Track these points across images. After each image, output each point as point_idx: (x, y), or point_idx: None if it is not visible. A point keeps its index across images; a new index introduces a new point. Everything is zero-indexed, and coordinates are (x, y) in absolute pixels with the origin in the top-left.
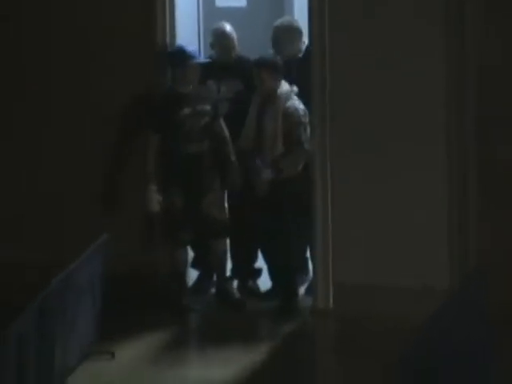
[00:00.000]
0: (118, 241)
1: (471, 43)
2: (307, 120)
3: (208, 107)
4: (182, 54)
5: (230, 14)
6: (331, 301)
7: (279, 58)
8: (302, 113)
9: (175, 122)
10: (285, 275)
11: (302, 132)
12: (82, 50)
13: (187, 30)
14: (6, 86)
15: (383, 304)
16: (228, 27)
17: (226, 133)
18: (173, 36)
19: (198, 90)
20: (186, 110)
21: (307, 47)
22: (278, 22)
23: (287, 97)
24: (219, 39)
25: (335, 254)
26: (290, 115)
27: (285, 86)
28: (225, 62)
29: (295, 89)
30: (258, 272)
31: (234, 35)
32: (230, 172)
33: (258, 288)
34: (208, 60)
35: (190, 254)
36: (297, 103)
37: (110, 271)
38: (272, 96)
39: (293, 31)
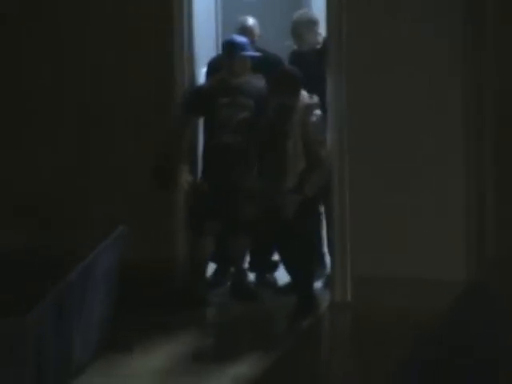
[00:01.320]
0: (136, 232)
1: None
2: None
3: (250, 101)
4: (231, 45)
5: (247, 4)
6: (349, 294)
7: (296, 69)
8: (319, 129)
9: (213, 109)
10: (301, 270)
11: (321, 149)
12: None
13: (204, 21)
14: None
15: (400, 297)
16: (251, 20)
17: None
18: (190, 27)
19: (246, 83)
20: (226, 100)
21: (325, 39)
22: (297, 14)
23: (306, 111)
24: (243, 32)
25: (353, 247)
26: (307, 132)
27: (305, 98)
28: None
29: (316, 100)
30: (275, 265)
31: (258, 28)
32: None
33: (275, 281)
34: (257, 54)
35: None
36: (315, 118)
37: (126, 262)
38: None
39: (312, 24)
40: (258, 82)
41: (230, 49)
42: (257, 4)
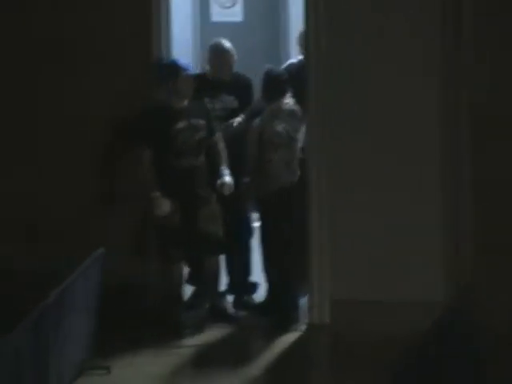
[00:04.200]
0: (110, 254)
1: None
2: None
3: (203, 122)
4: (174, 67)
5: (225, 28)
6: (327, 316)
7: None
8: (277, 133)
9: (168, 135)
10: (285, 289)
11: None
12: (76, 61)
13: (182, 44)
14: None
15: (379, 319)
16: (227, 44)
17: (222, 147)
18: (168, 50)
19: (192, 105)
20: (180, 124)
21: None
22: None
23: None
24: (218, 56)
25: (331, 269)
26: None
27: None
28: (221, 78)
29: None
30: (254, 286)
31: (234, 52)
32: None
33: (253, 302)
34: (202, 73)
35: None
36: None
37: (103, 285)
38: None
39: None
40: (205, 102)
41: (174, 70)
42: (235, 26)
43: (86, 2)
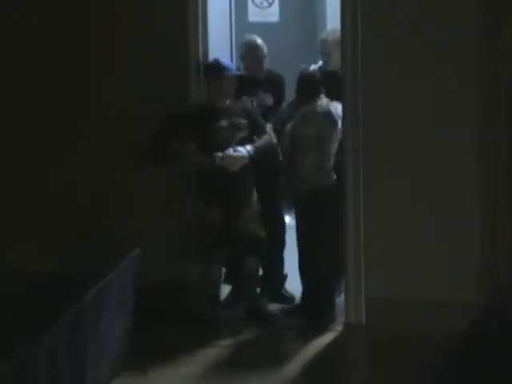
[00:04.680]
0: (148, 254)
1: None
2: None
3: (244, 121)
4: (218, 67)
5: (262, 29)
6: (363, 316)
7: (318, 72)
8: (307, 136)
9: (210, 133)
10: (321, 289)
11: (302, 155)
12: (117, 63)
13: (220, 45)
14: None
15: (415, 320)
16: (258, 40)
17: (268, 135)
18: (205, 51)
19: (234, 104)
20: (222, 123)
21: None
22: (326, 33)
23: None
24: (249, 52)
25: (367, 269)
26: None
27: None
28: (256, 76)
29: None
30: (285, 277)
31: (265, 48)
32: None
33: (291, 294)
34: (242, 73)
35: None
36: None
37: (140, 285)
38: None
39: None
40: (245, 101)
41: (217, 70)
42: (272, 27)
43: (123, 2)
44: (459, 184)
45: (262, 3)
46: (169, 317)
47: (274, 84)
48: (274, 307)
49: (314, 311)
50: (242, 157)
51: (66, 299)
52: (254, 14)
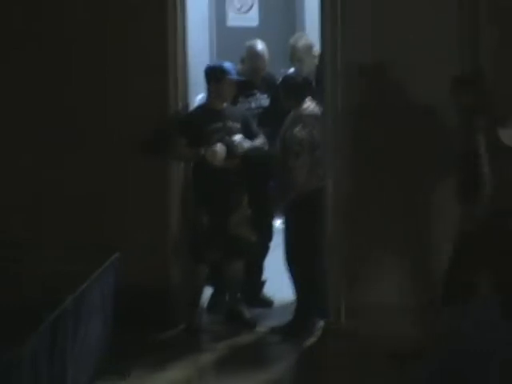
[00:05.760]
0: (127, 257)
1: None
2: (303, 147)
3: (238, 125)
4: (219, 70)
5: (241, 33)
6: (343, 319)
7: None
8: (297, 140)
9: (204, 134)
10: (308, 290)
11: (293, 159)
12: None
13: (198, 49)
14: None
15: (394, 323)
16: (259, 46)
17: (259, 140)
18: (184, 54)
19: (230, 108)
20: (217, 125)
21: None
22: (294, 39)
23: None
24: (251, 59)
25: (347, 273)
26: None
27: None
28: (254, 80)
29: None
30: (263, 283)
31: (266, 55)
32: None
33: (270, 298)
34: (241, 79)
35: None
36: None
37: (121, 287)
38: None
39: (310, 48)
40: (241, 104)
41: (218, 73)
42: (251, 31)
43: (103, 5)
44: (440, 186)
45: (241, 8)
46: (152, 321)
47: (271, 85)
48: (252, 312)
49: (303, 327)
50: (225, 151)
51: (48, 302)
52: (234, 19)
